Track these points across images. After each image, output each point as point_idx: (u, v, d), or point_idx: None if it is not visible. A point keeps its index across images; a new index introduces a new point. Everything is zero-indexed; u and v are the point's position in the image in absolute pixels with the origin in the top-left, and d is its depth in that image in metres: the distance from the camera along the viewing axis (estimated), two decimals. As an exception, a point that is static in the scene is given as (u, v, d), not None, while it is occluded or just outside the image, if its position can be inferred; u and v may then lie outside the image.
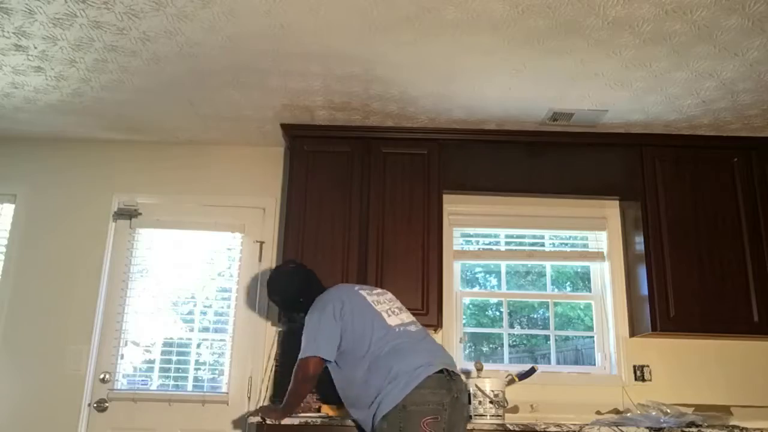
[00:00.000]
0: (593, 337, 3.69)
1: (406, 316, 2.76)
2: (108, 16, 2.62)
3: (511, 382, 3.17)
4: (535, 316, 3.79)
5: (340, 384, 2.69)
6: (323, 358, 2.63)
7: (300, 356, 2.67)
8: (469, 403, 3.00)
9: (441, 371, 2.48)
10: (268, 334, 3.59)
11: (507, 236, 3.84)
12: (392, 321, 2.69)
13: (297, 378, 2.69)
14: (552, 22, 2.60)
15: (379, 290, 2.90)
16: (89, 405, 3.52)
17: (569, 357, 3.73)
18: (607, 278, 3.71)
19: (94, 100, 3.37)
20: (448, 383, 2.47)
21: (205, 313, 3.72)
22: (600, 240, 3.79)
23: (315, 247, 3.39)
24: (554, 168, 3.59)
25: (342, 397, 2.70)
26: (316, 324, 2.67)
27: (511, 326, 3.76)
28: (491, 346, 3.75)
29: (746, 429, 2.88)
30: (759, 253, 3.37)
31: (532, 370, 3.20)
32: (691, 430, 2.85)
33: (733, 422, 3.06)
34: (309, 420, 2.89)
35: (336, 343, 2.63)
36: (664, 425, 2.90)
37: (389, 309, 2.76)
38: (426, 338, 2.68)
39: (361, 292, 2.80)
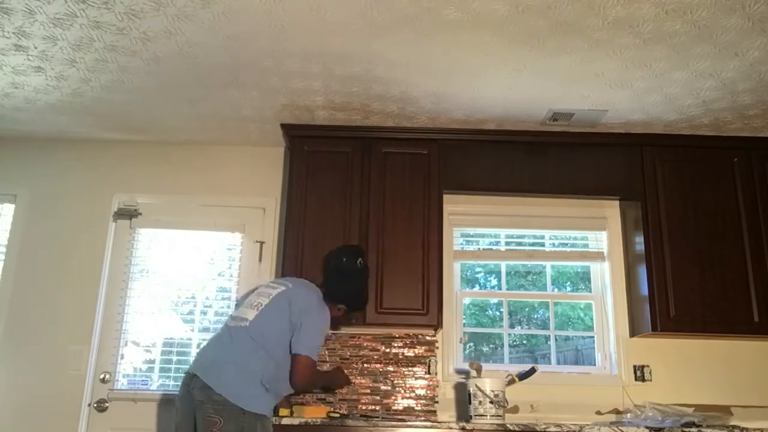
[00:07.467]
0: (593, 337, 3.69)
1: (255, 312, 2.80)
2: (108, 16, 2.62)
3: (511, 382, 3.17)
4: (535, 316, 3.79)
5: None
6: None
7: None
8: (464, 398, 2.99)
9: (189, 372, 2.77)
10: (268, 334, 3.58)
11: (507, 236, 3.84)
12: (235, 313, 2.89)
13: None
14: (552, 22, 2.60)
15: (280, 280, 3.02)
16: (89, 405, 3.52)
17: (569, 357, 3.73)
18: (607, 278, 3.71)
19: (94, 100, 3.37)
20: (186, 379, 2.74)
21: (205, 313, 3.72)
22: (600, 240, 3.79)
23: (315, 247, 3.39)
24: (554, 168, 3.59)
25: None
26: None
27: (511, 326, 3.75)
28: (491, 346, 3.75)
29: (746, 429, 2.88)
30: (759, 253, 3.37)
31: (533, 370, 3.20)
32: (690, 430, 2.85)
33: (733, 422, 3.06)
34: (309, 420, 2.89)
35: None
36: (664, 425, 2.90)
37: (250, 301, 2.88)
38: (231, 336, 2.76)
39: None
